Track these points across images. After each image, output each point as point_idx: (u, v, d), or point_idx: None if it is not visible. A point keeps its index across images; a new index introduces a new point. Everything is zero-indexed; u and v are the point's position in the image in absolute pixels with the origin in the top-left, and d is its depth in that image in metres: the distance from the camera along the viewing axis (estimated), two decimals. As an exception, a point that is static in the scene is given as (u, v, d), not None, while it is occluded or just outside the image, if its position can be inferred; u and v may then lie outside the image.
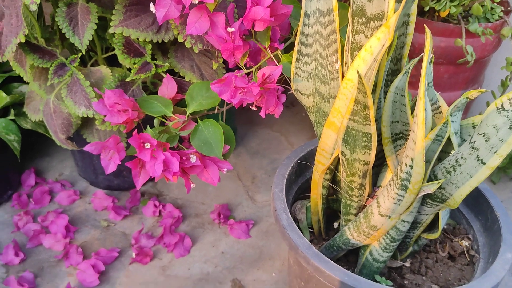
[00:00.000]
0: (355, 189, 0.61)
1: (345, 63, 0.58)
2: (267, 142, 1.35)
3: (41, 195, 1.05)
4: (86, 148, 0.69)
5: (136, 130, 0.67)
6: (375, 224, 0.61)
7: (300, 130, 1.40)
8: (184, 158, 0.67)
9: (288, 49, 0.67)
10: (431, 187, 0.54)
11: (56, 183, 1.09)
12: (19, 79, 0.93)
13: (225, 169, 0.72)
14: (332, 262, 0.60)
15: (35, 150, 1.21)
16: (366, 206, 0.64)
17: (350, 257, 0.73)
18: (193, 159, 0.67)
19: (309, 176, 0.82)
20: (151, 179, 1.15)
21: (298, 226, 0.73)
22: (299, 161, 0.78)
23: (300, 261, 0.66)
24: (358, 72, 0.46)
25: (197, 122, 0.73)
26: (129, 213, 1.04)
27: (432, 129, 0.56)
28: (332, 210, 0.78)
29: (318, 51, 0.59)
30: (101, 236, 0.99)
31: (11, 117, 0.93)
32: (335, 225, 0.75)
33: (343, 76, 0.58)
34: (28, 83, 0.81)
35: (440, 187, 0.56)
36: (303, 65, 0.60)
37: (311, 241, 0.72)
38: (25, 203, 1.03)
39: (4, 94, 0.88)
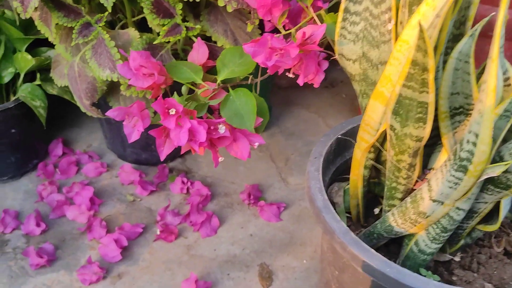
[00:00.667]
0: (403, 169, 0.54)
1: (400, 23, 0.50)
2: (303, 123, 1.27)
3: (68, 165, 1.02)
4: (109, 113, 0.64)
5: (161, 96, 0.62)
6: (425, 210, 0.53)
7: (339, 113, 1.32)
8: (212, 127, 0.61)
9: (333, 9, 0.60)
10: (497, 170, 0.45)
11: (84, 154, 1.06)
12: (48, 43, 0.89)
13: (256, 144, 0.65)
14: (372, 250, 0.53)
15: (64, 120, 1.18)
16: (414, 189, 0.57)
17: (391, 247, 0.65)
18: (222, 129, 0.61)
19: (348, 157, 0.74)
20: (180, 155, 1.10)
21: (334, 209, 0.66)
22: (338, 139, 0.71)
23: (335, 248, 0.59)
24: (420, 24, 0.38)
25: (228, 91, 0.67)
26: (156, 189, 1.00)
27: (499, 103, 0.48)
28: (373, 194, 0.70)
29: (369, 8, 0.51)
30: (126, 211, 0.96)
31: (37, 82, 0.89)
32: (376, 210, 0.68)
33: (396, 39, 0.50)
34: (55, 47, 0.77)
35: (506, 171, 0.48)
36: (350, 25, 0.53)
37: (348, 226, 0.65)
38: (51, 173, 1.01)
39: (29, 57, 0.84)
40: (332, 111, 1.32)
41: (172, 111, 0.59)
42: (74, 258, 0.85)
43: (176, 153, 1.08)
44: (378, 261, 0.52)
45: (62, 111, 1.20)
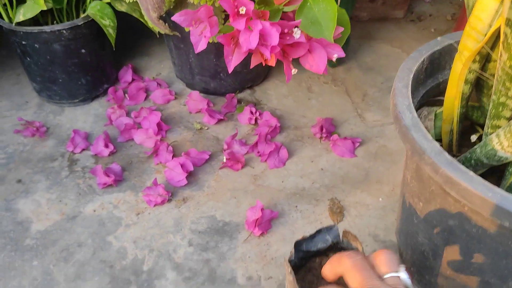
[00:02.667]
0: (517, 78, 0.44)
1: None
2: (384, 58, 1.16)
3: (137, 91, 1.00)
4: (175, 17, 0.59)
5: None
6: (541, 129, 0.43)
7: (425, 48, 1.18)
8: (285, 31, 0.54)
9: None
10: None
11: (153, 81, 1.04)
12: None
13: (335, 55, 0.58)
14: (471, 172, 0.44)
15: (134, 49, 1.16)
16: (527, 107, 0.47)
17: (489, 178, 0.56)
18: (297, 34, 0.53)
19: (441, 80, 0.65)
20: (249, 87, 1.05)
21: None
22: (431, 57, 0.61)
23: (424, 172, 0.51)
24: None
25: (305, -2, 0.59)
26: (223, 118, 0.96)
27: None
28: (469, 121, 0.61)
29: None
30: (193, 138, 0.93)
31: (107, 0, 0.86)
32: (473, 138, 0.58)
33: None
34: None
35: None
36: None
37: (437, 154, 0.56)
38: (120, 98, 0.99)
39: (98, -31, 0.81)
40: (418, 47, 1.19)
41: (242, 10, 0.52)
42: (140, 181, 0.84)
43: (245, 84, 1.03)
44: (479, 184, 0.44)
45: (132, 39, 1.18)
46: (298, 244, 0.52)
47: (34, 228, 0.76)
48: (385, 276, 0.38)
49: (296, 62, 0.58)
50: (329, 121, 0.94)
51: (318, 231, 0.53)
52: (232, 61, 0.59)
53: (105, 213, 0.78)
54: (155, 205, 0.79)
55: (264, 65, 0.57)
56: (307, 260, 0.56)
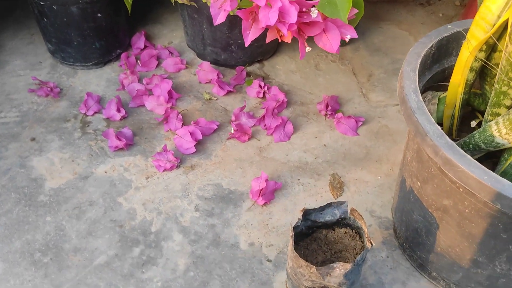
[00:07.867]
0: (520, 70, 0.47)
1: None
2: (391, 40, 1.18)
3: (149, 58, 1.02)
4: (195, -10, 0.61)
5: (252, -26, 0.57)
6: (538, 120, 0.46)
7: (433, 32, 1.20)
8: (303, 10, 0.56)
9: None
10: None
11: (164, 50, 1.05)
12: None
13: (348, 36, 0.60)
14: (468, 156, 0.48)
15: (147, 16, 1.17)
16: (527, 98, 0.50)
17: (484, 163, 0.60)
18: (314, 13, 0.56)
19: (447, 65, 0.67)
20: (258, 61, 1.07)
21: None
22: (439, 43, 0.63)
23: (424, 154, 0.55)
24: None
25: (323, -22, 0.60)
26: (232, 90, 0.98)
27: None
28: (471, 108, 0.64)
29: None
30: (202, 108, 0.95)
31: (125, -35, 0.87)
32: (473, 124, 0.61)
33: None
34: None
35: None
36: None
37: (438, 137, 0.59)
38: (132, 64, 1.01)
39: None
40: (425, 30, 1.21)
41: (263, -12, 0.54)
42: (150, 146, 0.87)
43: (254, 57, 1.05)
44: (475, 168, 0.47)
45: (145, 7, 1.19)
46: (307, 213, 0.55)
47: (48, 185, 0.79)
48: None
49: (308, 40, 0.61)
50: (335, 99, 0.97)
51: (328, 205, 0.57)
52: (249, 36, 0.61)
53: (116, 175, 0.81)
54: (164, 171, 0.82)
55: (280, 41, 0.60)
56: (314, 230, 0.59)
